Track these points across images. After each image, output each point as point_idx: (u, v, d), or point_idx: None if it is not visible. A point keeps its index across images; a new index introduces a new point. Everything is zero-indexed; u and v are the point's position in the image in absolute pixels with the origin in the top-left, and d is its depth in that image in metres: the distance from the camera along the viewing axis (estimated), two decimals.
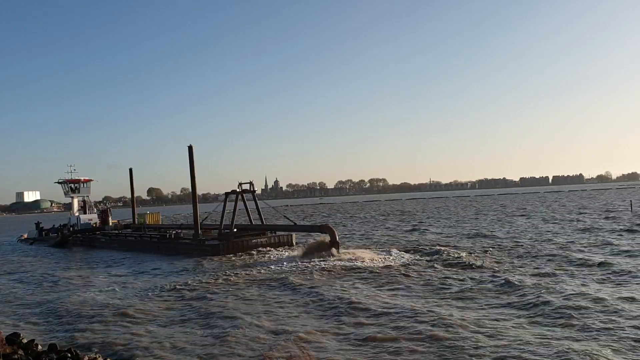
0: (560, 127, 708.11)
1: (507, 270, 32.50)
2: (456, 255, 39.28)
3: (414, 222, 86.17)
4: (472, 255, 39.73)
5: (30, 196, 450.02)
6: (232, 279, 34.41)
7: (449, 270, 33.77)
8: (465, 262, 36.23)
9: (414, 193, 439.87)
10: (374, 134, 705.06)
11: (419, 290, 27.98)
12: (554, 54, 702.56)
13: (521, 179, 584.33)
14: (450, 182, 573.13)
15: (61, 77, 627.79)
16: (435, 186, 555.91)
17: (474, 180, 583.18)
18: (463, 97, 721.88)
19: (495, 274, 30.95)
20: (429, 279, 30.78)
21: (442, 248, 43.90)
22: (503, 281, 28.45)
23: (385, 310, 23.22)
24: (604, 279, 28.46)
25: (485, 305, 23.75)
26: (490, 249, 43.15)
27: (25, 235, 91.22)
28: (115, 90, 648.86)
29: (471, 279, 30.16)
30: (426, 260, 38.12)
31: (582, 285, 26.83)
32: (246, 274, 35.85)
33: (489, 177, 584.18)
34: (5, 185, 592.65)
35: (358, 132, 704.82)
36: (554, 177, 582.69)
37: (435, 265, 35.89)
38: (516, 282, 27.70)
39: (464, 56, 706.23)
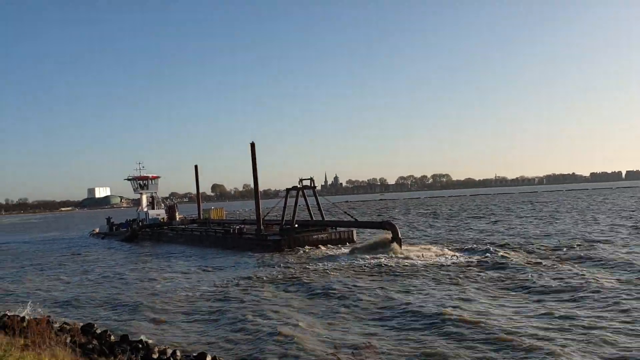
0: (633, 118, 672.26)
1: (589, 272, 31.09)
2: (526, 254, 37.99)
3: (479, 218, 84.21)
4: (540, 253, 38.34)
5: (101, 192, 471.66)
6: (294, 273, 34.71)
7: (525, 269, 32.50)
8: (532, 262, 34.97)
9: (478, 189, 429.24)
10: (436, 129, 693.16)
11: (491, 291, 26.89)
12: (630, 42, 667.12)
13: (592, 174, 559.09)
14: (517, 178, 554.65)
15: (129, 76, 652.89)
16: (500, 182, 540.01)
17: (541, 175, 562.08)
18: (529, 89, 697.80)
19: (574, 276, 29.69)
20: (499, 279, 29.75)
21: (517, 246, 42.55)
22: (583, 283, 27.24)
23: (454, 315, 22.58)
24: None
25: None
26: (565, 249, 41.43)
27: (97, 230, 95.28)
28: (180, 88, 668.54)
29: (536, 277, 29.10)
30: (494, 259, 37.00)
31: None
32: (308, 269, 36.07)
33: (557, 173, 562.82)
34: (78, 182, 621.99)
35: (420, 127, 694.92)
36: (627, 172, 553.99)
37: (509, 264, 34.57)
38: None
39: (531, 47, 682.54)
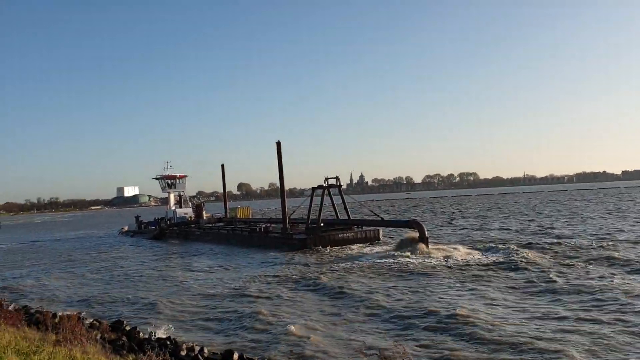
0: None
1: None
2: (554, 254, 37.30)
3: (507, 217, 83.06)
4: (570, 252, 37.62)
5: (129, 191, 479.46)
6: (318, 273, 34.72)
7: (548, 271, 31.92)
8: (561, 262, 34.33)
9: (506, 188, 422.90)
10: (463, 126, 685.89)
11: (514, 294, 26.46)
12: None
13: (624, 172, 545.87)
14: (546, 176, 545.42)
15: (157, 76, 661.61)
16: (529, 180, 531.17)
17: (571, 173, 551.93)
18: (557, 85, 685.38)
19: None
20: (523, 280, 29.24)
21: (543, 247, 41.80)
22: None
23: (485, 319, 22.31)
24: None
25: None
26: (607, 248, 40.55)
27: (126, 228, 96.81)
28: (207, 88, 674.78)
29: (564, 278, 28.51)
30: (519, 260, 36.38)
31: None
32: (332, 269, 36.05)
33: (588, 171, 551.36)
34: (107, 181, 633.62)
35: (447, 125, 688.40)
36: None
37: (533, 265, 34.01)
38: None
39: (561, 45, 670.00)
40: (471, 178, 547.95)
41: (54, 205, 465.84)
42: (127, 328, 21.29)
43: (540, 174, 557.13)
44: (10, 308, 23.00)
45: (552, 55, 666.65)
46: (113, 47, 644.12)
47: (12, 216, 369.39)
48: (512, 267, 32.96)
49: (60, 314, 21.61)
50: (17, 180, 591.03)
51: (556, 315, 21.12)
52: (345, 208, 55.76)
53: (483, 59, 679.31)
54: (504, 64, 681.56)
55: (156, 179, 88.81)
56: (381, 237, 52.84)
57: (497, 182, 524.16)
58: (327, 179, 54.86)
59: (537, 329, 19.22)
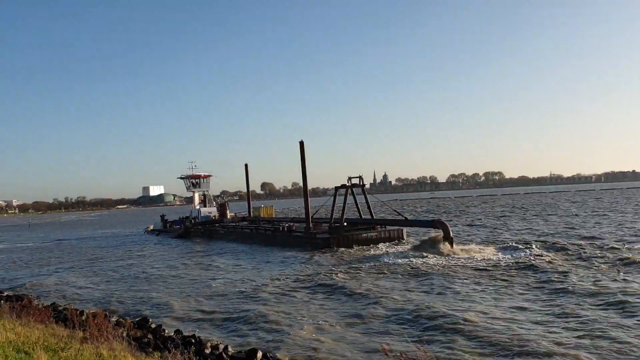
0: None
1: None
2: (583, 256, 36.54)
3: (534, 217, 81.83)
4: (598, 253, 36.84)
5: (155, 190, 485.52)
6: (342, 271, 34.65)
7: (574, 272, 31.33)
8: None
9: (532, 187, 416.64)
10: (488, 125, 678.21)
11: (540, 295, 25.92)
12: None
13: None
14: (573, 176, 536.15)
15: (181, 77, 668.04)
16: (556, 180, 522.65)
17: (599, 173, 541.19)
18: (585, 83, 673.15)
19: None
20: (550, 281, 28.72)
21: (569, 248, 40.94)
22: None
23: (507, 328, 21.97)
24: None
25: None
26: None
27: (151, 227, 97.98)
28: (230, 88, 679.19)
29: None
30: (550, 258, 35.89)
31: None
32: (355, 268, 35.90)
33: (616, 170, 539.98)
34: (133, 181, 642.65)
35: (472, 124, 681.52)
36: None
37: (561, 265, 33.50)
38: None
39: (586, 43, 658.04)
40: (496, 177, 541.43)
41: (81, 204, 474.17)
42: (153, 326, 21.52)
43: (567, 173, 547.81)
44: (38, 305, 23.42)
45: (580, 54, 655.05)
46: (137, 48, 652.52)
47: (40, 215, 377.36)
48: (537, 269, 32.03)
49: (87, 311, 21.91)
50: (46, 180, 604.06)
51: (577, 320, 20.46)
52: (369, 207, 55.51)
53: (509, 56, 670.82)
54: (531, 62, 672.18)
55: (181, 178, 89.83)
56: (405, 236, 52.46)
57: (522, 181, 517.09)
58: (350, 179, 54.66)
59: (559, 333, 18.71)
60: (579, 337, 18.24)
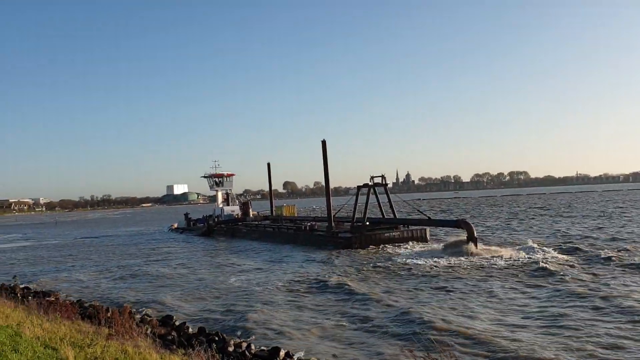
0: None
1: None
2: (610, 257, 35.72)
3: (561, 217, 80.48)
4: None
5: (179, 189, 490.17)
6: (365, 272, 34.48)
7: (602, 273, 30.70)
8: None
9: (558, 187, 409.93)
10: (514, 124, 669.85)
11: (565, 301, 25.26)
12: None
13: None
14: (600, 175, 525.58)
15: (204, 76, 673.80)
16: (582, 179, 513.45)
17: (626, 172, 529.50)
18: (612, 83, 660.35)
19: None
20: (581, 283, 28.18)
21: (597, 249, 40.16)
22: None
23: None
24: None
25: None
26: None
27: (175, 225, 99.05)
28: (253, 87, 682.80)
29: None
30: (575, 259, 35.23)
31: None
32: (378, 268, 35.66)
33: None
34: (158, 179, 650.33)
35: (496, 122, 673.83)
36: None
37: (587, 265, 32.92)
38: None
39: (613, 40, 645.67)
40: (521, 177, 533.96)
41: (106, 202, 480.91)
42: (177, 323, 21.68)
43: (593, 173, 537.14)
44: (65, 301, 23.75)
45: (605, 52, 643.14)
46: (157, 47, 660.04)
47: (66, 213, 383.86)
48: (560, 272, 30.70)
49: (112, 308, 22.14)
50: (72, 178, 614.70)
51: (601, 327, 19.80)
52: (391, 207, 55.16)
53: (534, 52, 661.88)
54: (556, 59, 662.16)
55: (205, 177, 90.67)
56: (428, 236, 52.00)
57: (548, 181, 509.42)
58: (372, 178, 54.39)
59: (587, 340, 18.15)
60: (604, 345, 17.82)
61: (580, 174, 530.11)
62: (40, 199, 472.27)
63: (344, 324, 21.73)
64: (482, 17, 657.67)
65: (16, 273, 41.38)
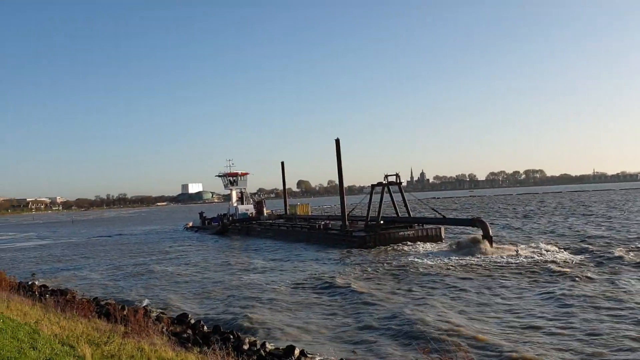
0: None
1: None
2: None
3: (578, 216, 79.62)
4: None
5: (193, 188, 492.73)
6: (379, 271, 34.38)
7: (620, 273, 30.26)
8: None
9: (574, 185, 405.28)
10: (529, 122, 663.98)
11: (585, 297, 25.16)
12: None
13: None
14: (617, 174, 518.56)
15: (218, 75, 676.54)
16: (599, 177, 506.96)
17: None
18: (629, 78, 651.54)
19: None
20: (598, 283, 27.83)
21: (613, 245, 39.74)
22: None
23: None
24: None
25: None
26: None
27: (190, 224, 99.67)
28: (266, 86, 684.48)
29: None
30: (589, 260, 34.81)
31: None
32: (392, 268, 35.53)
33: None
34: (173, 178, 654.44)
35: (512, 120, 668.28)
36: None
37: (602, 265, 32.49)
38: None
39: (623, 36, 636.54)
40: (537, 175, 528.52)
41: (122, 201, 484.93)
42: (192, 321, 21.80)
43: (611, 171, 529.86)
44: (81, 300, 23.99)
45: (623, 48, 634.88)
46: (173, 47, 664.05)
47: (83, 212, 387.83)
48: (578, 273, 30.22)
49: (128, 307, 22.31)
50: (88, 177, 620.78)
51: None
52: (406, 205, 54.91)
53: (548, 49, 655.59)
54: (572, 57, 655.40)
55: (219, 176, 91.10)
56: (443, 235, 51.70)
57: (564, 179, 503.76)
58: (386, 176, 54.23)
59: (602, 344, 17.82)
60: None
61: (597, 172, 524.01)
62: (57, 198, 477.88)
63: (357, 324, 21.70)
64: (496, 14, 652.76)
65: (34, 271, 42.00)
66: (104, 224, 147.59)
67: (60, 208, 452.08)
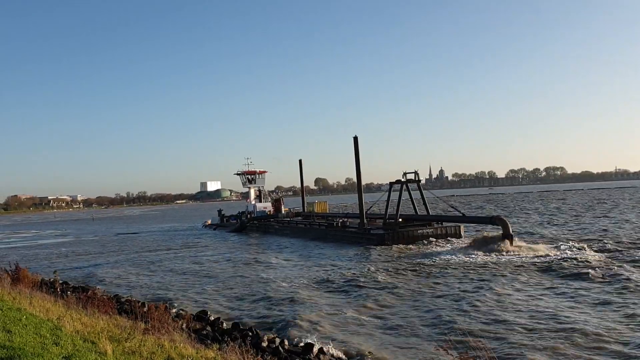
0: None
1: None
2: None
3: (600, 214, 78.39)
4: None
5: (212, 186, 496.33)
6: (397, 269, 34.19)
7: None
8: None
9: (596, 183, 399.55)
10: (549, 118, 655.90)
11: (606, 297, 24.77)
12: None
13: None
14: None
15: (236, 75, 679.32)
16: (622, 175, 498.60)
17: None
18: None
19: None
20: (621, 281, 27.31)
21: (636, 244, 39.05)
22: None
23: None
24: None
25: None
26: None
27: (209, 222, 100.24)
28: (284, 85, 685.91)
29: None
30: (612, 258, 34.20)
31: None
32: (410, 266, 35.30)
33: None
34: (192, 176, 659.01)
35: (532, 117, 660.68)
36: None
37: (623, 264, 31.90)
38: None
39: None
40: (558, 173, 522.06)
41: (141, 199, 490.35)
42: (211, 318, 21.88)
43: (633, 168, 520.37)
44: (102, 296, 24.21)
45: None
46: (189, 47, 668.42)
47: (103, 209, 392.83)
48: (599, 272, 29.40)
49: (148, 303, 22.46)
50: (108, 175, 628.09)
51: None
52: (425, 203, 54.57)
53: (568, 46, 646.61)
54: (590, 52, 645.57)
55: (237, 174, 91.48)
56: (462, 233, 51.26)
57: (586, 176, 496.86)
58: (405, 174, 53.90)
59: (625, 343, 17.73)
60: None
61: (619, 169, 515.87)
62: (78, 196, 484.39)
63: (375, 321, 21.62)
64: (516, 13, 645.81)
65: (55, 268, 42.55)
66: (123, 222, 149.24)
67: (81, 206, 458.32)
